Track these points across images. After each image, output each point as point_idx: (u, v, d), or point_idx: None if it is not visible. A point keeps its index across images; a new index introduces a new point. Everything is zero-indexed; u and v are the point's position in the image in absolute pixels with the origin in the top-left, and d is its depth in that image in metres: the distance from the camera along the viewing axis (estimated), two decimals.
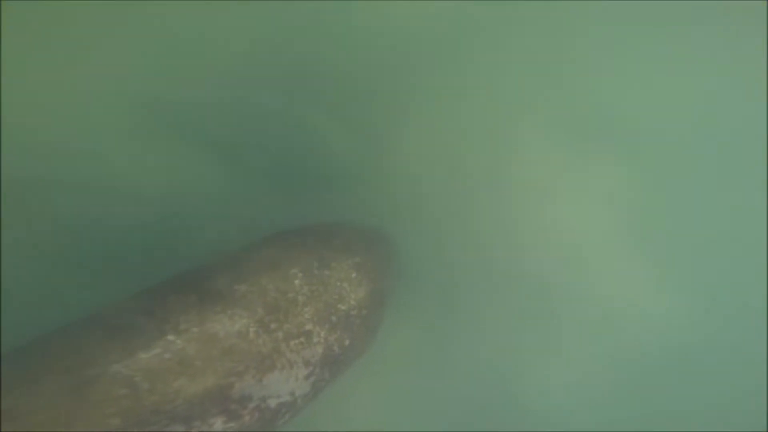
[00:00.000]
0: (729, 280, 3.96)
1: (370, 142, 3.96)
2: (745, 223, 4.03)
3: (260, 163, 3.79)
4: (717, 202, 4.08)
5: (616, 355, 3.77)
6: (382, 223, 3.68)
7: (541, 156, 4.06)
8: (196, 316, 2.79)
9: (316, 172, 3.85)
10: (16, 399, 2.36)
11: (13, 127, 3.47)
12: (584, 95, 4.19)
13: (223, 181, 3.70)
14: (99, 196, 3.49)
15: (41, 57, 3.68)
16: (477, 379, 3.60)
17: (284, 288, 3.03)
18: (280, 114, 3.88)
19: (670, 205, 4.08)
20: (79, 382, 2.45)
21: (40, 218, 3.36)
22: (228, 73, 3.90)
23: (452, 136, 4.04)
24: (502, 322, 3.73)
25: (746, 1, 4.30)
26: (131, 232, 3.43)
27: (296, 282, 3.07)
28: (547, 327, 3.77)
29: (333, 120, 3.94)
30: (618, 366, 3.76)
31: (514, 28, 4.22)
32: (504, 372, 3.65)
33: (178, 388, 2.61)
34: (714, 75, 4.23)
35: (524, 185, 4.01)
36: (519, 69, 4.16)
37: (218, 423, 2.69)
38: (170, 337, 2.70)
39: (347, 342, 3.15)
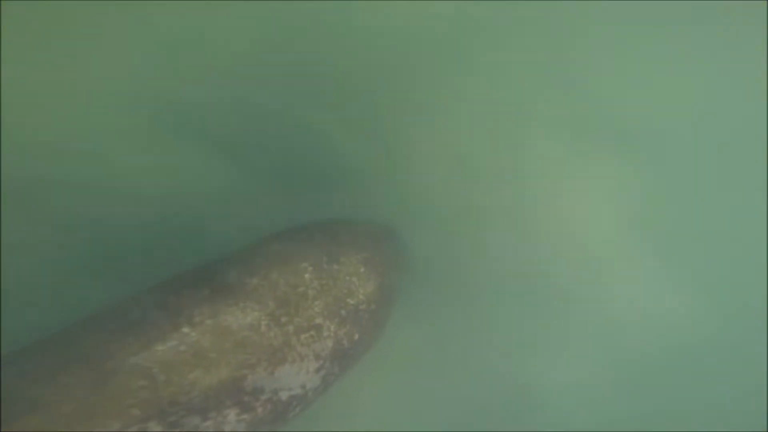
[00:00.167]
0: (731, 279, 4.04)
1: (374, 140, 4.03)
2: (747, 222, 4.13)
3: (264, 162, 3.85)
4: (720, 202, 4.16)
5: (620, 354, 3.85)
6: (389, 221, 3.73)
7: (546, 155, 4.14)
8: (209, 309, 2.86)
9: (320, 170, 3.92)
10: (42, 389, 2.45)
11: (15, 127, 3.52)
12: (589, 94, 4.27)
13: (227, 180, 3.76)
14: (103, 196, 3.55)
15: (41, 57, 3.72)
16: (484, 377, 3.67)
17: (294, 282, 3.10)
18: (283, 113, 3.94)
19: (674, 205, 4.16)
20: (100, 374, 2.53)
21: (46, 217, 3.43)
22: (230, 72, 3.95)
23: (457, 135, 4.12)
24: (508, 320, 3.81)
25: (746, 0, 4.42)
26: (137, 231, 3.50)
27: (306, 276, 3.14)
28: (553, 326, 3.85)
29: (337, 118, 4.01)
30: (622, 365, 3.83)
31: (517, 27, 4.29)
32: (510, 370, 3.72)
33: (193, 380, 2.69)
34: (716, 74, 4.32)
35: (530, 184, 4.09)
36: (522, 68, 4.24)
37: (232, 414, 2.76)
38: (185, 330, 2.77)
39: (356, 336, 3.22)
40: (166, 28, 3.91)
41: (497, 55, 4.27)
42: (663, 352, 3.87)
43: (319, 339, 3.07)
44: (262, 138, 3.88)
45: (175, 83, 3.85)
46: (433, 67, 4.20)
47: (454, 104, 4.17)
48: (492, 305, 3.81)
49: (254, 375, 2.83)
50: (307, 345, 3.02)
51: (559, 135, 4.20)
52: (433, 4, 4.21)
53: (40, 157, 3.54)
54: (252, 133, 3.88)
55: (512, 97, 4.22)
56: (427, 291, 3.78)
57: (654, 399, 3.82)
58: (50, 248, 3.37)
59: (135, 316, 2.80)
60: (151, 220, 3.55)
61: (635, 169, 4.20)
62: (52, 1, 3.73)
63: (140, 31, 3.89)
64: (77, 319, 2.83)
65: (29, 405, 2.42)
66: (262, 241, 3.34)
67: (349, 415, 3.46)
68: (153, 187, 3.64)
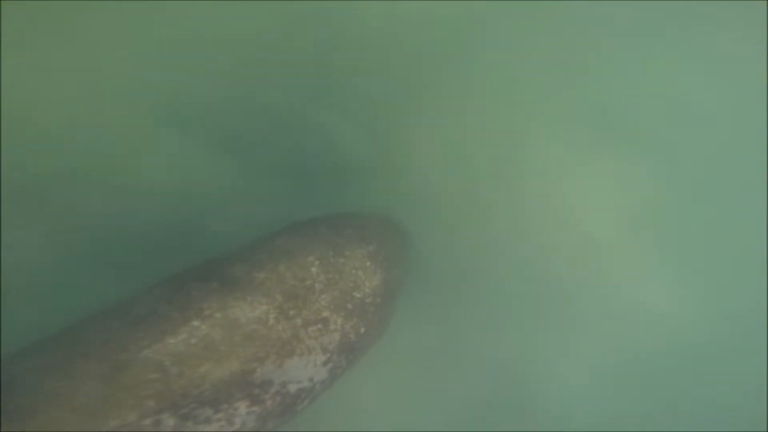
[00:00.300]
0: (735, 277, 4.10)
1: (378, 137, 4.09)
2: (750, 220, 4.19)
3: (269, 158, 3.92)
4: (722, 200, 4.23)
5: (623, 351, 3.91)
6: (393, 216, 3.80)
7: (553, 151, 4.21)
8: (218, 302, 2.92)
9: (324, 166, 3.98)
10: (60, 381, 2.51)
11: (23, 125, 3.59)
12: (592, 92, 4.35)
13: (233, 176, 3.83)
14: (114, 193, 3.63)
15: (47, 54, 3.78)
16: (487, 370, 3.73)
17: (302, 275, 3.16)
18: (288, 110, 4.01)
19: (677, 203, 4.23)
20: (114, 367, 2.60)
21: (61, 213, 3.49)
22: (235, 70, 4.02)
23: (461, 132, 4.19)
24: (513, 315, 3.87)
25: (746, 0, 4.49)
26: (146, 227, 3.57)
27: (313, 270, 3.20)
28: (559, 321, 3.91)
29: (341, 115, 4.07)
30: (625, 362, 3.89)
31: (521, 26, 4.36)
32: (515, 365, 3.78)
33: (204, 373, 2.75)
34: (720, 73, 4.39)
35: (537, 180, 4.15)
36: (526, 66, 4.31)
37: (242, 407, 2.83)
38: (195, 323, 2.83)
39: (362, 330, 3.28)
40: (171, 26, 3.99)
41: (501, 53, 4.33)
42: (666, 350, 3.93)
43: (327, 332, 3.13)
44: (268, 135, 3.95)
45: (181, 81, 3.93)
46: (437, 65, 4.26)
47: (459, 101, 4.24)
48: (495, 300, 3.87)
49: (263, 368, 2.89)
50: (314, 338, 3.08)
51: (562, 132, 4.27)
52: (437, 3, 4.26)
53: (49, 155, 3.62)
54: (257, 130, 3.96)
55: (516, 94, 4.29)
56: (431, 285, 3.84)
57: (656, 396, 3.88)
58: (63, 244, 3.43)
59: (146, 309, 2.87)
60: (160, 216, 3.62)
61: (638, 167, 4.26)
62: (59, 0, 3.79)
63: (147, 29, 3.96)
64: (90, 312, 2.90)
65: (49, 397, 2.49)
66: (268, 235, 3.40)
67: (355, 408, 3.52)
68: (161, 184, 3.72)
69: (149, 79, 3.88)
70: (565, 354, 3.83)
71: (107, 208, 3.58)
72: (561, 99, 4.30)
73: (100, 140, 3.71)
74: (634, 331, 3.94)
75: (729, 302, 4.08)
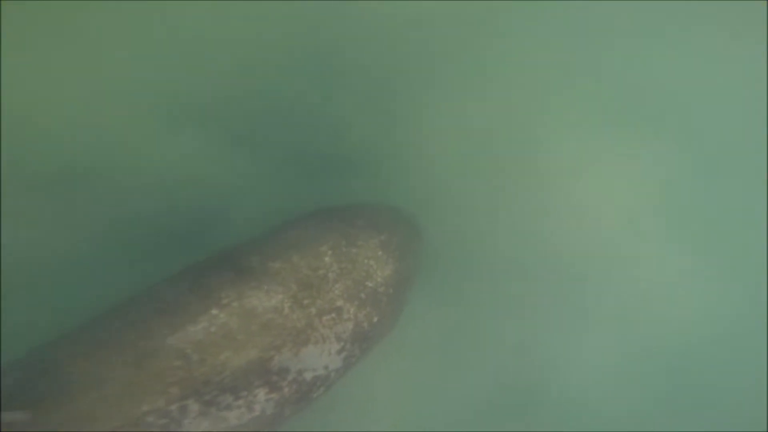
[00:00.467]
0: (757, 267, 4.14)
1: (390, 126, 4.17)
2: None
3: (284, 151, 4.02)
4: (743, 189, 4.29)
5: (640, 342, 3.97)
6: (406, 205, 3.88)
7: (571, 139, 4.27)
8: (235, 292, 3.04)
9: (337, 157, 4.07)
10: (95, 367, 2.66)
11: (45, 122, 3.74)
12: (612, 78, 4.41)
13: (248, 168, 3.93)
14: (131, 186, 3.76)
15: (65, 53, 3.90)
16: (501, 361, 3.83)
17: (315, 265, 3.27)
18: (300, 102, 4.10)
19: (697, 190, 4.30)
20: (140, 355, 2.74)
21: (84, 208, 3.64)
22: (250, 64, 4.12)
23: (475, 120, 4.25)
24: (528, 304, 3.95)
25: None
26: (165, 219, 3.70)
27: (326, 259, 3.30)
28: (575, 311, 3.98)
29: (354, 107, 4.16)
30: (642, 353, 3.95)
31: (541, 10, 4.42)
32: (529, 354, 3.87)
33: (224, 360, 2.88)
34: (742, 57, 4.46)
35: (554, 168, 4.21)
36: (547, 51, 4.37)
37: (261, 394, 2.96)
38: (214, 311, 2.95)
39: (375, 319, 3.39)
40: (186, 20, 4.08)
41: (526, 38, 4.40)
42: (685, 339, 4.00)
43: (340, 321, 3.24)
44: (279, 128, 4.05)
45: (192, 77, 4.03)
46: (459, 51, 4.34)
47: (472, 91, 4.31)
48: (509, 289, 3.96)
49: (280, 356, 3.02)
50: (329, 327, 3.20)
51: (590, 118, 4.34)
52: None
53: (69, 153, 3.76)
54: (269, 124, 4.06)
55: (532, 82, 4.36)
56: (444, 275, 3.94)
57: (674, 385, 3.95)
58: (85, 238, 3.58)
59: (166, 298, 3.00)
60: (176, 209, 3.75)
61: (659, 154, 4.32)
62: None
63: (161, 23, 4.07)
64: (114, 302, 3.04)
65: (83, 383, 2.65)
66: (280, 226, 3.51)
67: (368, 397, 3.64)
68: (176, 178, 3.84)
69: (160, 77, 3.99)
70: (581, 343, 3.92)
71: (125, 203, 3.71)
72: (584, 85, 4.38)
73: (115, 137, 3.84)
74: (652, 319, 4.02)
75: (751, 291, 4.13)
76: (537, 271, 4.03)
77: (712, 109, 4.43)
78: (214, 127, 3.98)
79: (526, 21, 4.45)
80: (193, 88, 4.03)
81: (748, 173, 4.36)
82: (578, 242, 4.11)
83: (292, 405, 3.11)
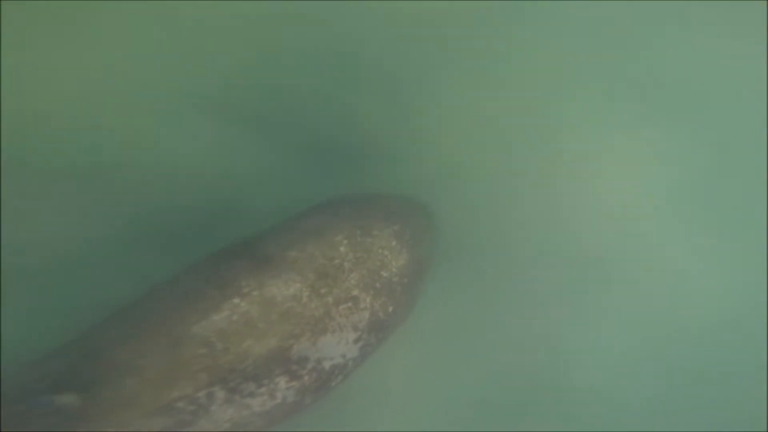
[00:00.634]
0: None
1: (403, 116, 4.25)
2: None
3: (299, 141, 4.11)
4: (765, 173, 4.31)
5: (659, 331, 4.02)
6: (420, 195, 3.97)
7: (590, 125, 4.35)
8: (255, 281, 3.13)
9: (351, 147, 4.15)
10: (130, 354, 2.80)
11: (66, 118, 3.85)
12: (630, 61, 4.48)
13: (262, 159, 4.02)
14: (155, 178, 3.87)
15: (81, 43, 3.99)
16: (517, 350, 3.91)
17: (331, 254, 3.35)
18: (314, 93, 4.19)
19: (719, 175, 4.34)
20: (170, 342, 2.86)
21: (108, 200, 3.77)
22: (265, 54, 4.20)
23: (489, 106, 4.33)
24: (545, 294, 4.02)
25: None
26: (183, 209, 3.81)
27: (342, 249, 3.39)
28: (594, 301, 4.05)
29: (370, 96, 4.24)
30: (661, 342, 4.01)
31: None
32: (545, 344, 3.94)
33: (247, 349, 2.98)
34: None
35: (572, 154, 4.28)
36: (566, 41, 4.45)
37: (282, 382, 3.06)
38: (235, 300, 3.05)
39: (391, 309, 3.48)
40: (200, 11, 4.16)
41: (543, 24, 4.47)
42: (707, 329, 4.06)
43: (357, 310, 3.34)
44: (295, 118, 4.14)
45: (209, 67, 4.12)
46: (473, 39, 4.41)
47: (487, 79, 4.40)
48: (526, 280, 4.05)
49: (299, 345, 3.12)
50: (345, 316, 3.30)
51: (597, 103, 4.41)
52: None
53: (92, 146, 3.88)
54: (285, 114, 4.14)
55: (550, 69, 4.43)
56: (459, 264, 4.02)
57: (696, 377, 4.00)
58: (108, 227, 3.70)
59: (190, 287, 3.10)
60: (194, 199, 3.86)
61: (679, 137, 4.39)
62: None
63: (183, 14, 4.15)
64: (141, 292, 3.17)
65: (124, 369, 2.78)
66: (296, 215, 3.60)
67: (385, 386, 3.74)
68: (194, 169, 3.94)
69: (175, 70, 4.08)
70: (599, 334, 3.99)
71: (143, 196, 3.82)
72: (604, 71, 4.45)
73: (135, 129, 3.94)
74: (673, 309, 4.09)
75: None
76: (553, 260, 4.10)
77: (732, 99, 4.50)
78: (229, 120, 4.06)
79: (542, 9, 4.52)
80: (207, 80, 4.11)
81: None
82: (596, 232, 4.18)
83: (312, 393, 3.22)
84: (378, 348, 3.55)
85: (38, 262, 3.56)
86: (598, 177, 4.31)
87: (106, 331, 3.01)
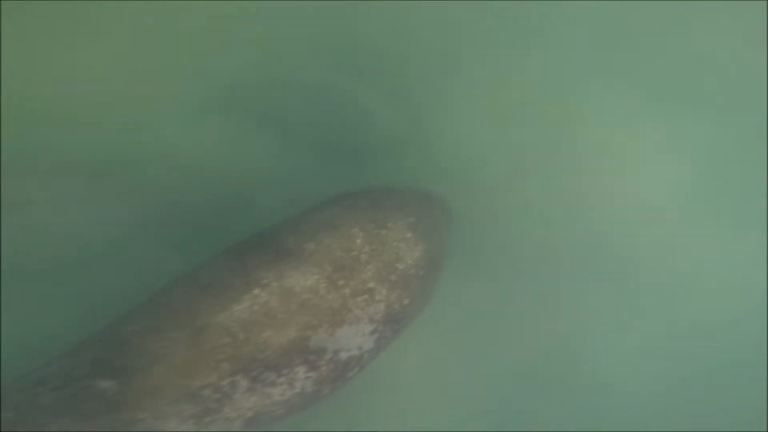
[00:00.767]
0: None
1: (422, 110, 4.34)
2: None
3: (313, 135, 4.21)
4: None
5: (680, 325, 4.07)
6: (435, 188, 4.05)
7: (611, 118, 4.40)
8: (274, 272, 3.23)
9: (367, 140, 4.25)
10: (156, 343, 2.94)
11: (89, 111, 3.99)
12: (659, 55, 4.51)
13: (279, 152, 4.13)
14: (174, 173, 4.00)
15: (98, 35, 4.11)
16: (532, 344, 3.99)
17: (348, 246, 3.44)
18: (332, 87, 4.29)
19: (745, 166, 4.38)
20: (194, 331, 2.98)
21: (129, 194, 3.90)
22: (278, 49, 4.30)
23: (505, 97, 4.40)
24: (559, 286, 4.10)
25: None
26: (202, 202, 3.95)
27: (358, 241, 3.47)
28: (613, 294, 4.10)
29: (383, 89, 4.34)
30: (683, 337, 4.05)
31: None
32: (563, 338, 4.01)
33: (267, 339, 3.08)
34: None
35: (592, 147, 4.34)
36: (583, 31, 4.51)
37: (301, 372, 3.17)
38: (256, 291, 3.15)
39: (406, 301, 3.56)
40: (212, 7, 4.26)
41: (562, 16, 4.52)
42: (727, 325, 4.09)
43: (373, 303, 3.43)
44: (308, 113, 4.25)
45: (227, 63, 4.24)
46: (491, 31, 4.49)
47: (502, 69, 4.47)
48: (540, 272, 4.13)
49: (317, 336, 3.22)
50: (362, 308, 3.38)
51: (632, 96, 4.46)
52: None
53: (112, 143, 4.02)
54: (298, 109, 4.25)
55: (568, 56, 4.50)
56: (474, 257, 4.11)
57: (716, 375, 4.05)
58: (129, 220, 3.85)
59: (212, 278, 3.22)
60: (212, 192, 3.99)
61: (704, 127, 4.43)
62: None
63: (187, 11, 4.25)
64: (166, 282, 3.30)
65: (151, 357, 2.91)
66: (312, 208, 3.70)
67: (400, 379, 3.84)
68: (212, 163, 4.06)
69: (192, 64, 4.20)
70: (618, 329, 4.06)
71: (162, 189, 3.95)
72: (626, 63, 4.49)
73: (153, 126, 4.07)
74: (696, 302, 4.14)
75: None
76: (570, 253, 4.17)
77: (757, 86, 4.52)
78: (245, 116, 4.18)
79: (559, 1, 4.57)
80: (223, 77, 4.22)
81: None
82: (619, 223, 4.24)
83: (330, 384, 3.32)
84: (393, 340, 3.64)
85: (67, 257, 3.71)
86: (617, 171, 4.37)
87: (134, 321, 3.14)
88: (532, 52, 4.53)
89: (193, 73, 4.18)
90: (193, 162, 4.03)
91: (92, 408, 2.82)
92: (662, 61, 4.57)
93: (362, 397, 3.74)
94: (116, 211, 3.85)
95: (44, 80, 4.04)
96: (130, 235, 3.81)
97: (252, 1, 4.33)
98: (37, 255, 3.69)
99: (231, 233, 3.53)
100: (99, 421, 2.83)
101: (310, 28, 4.36)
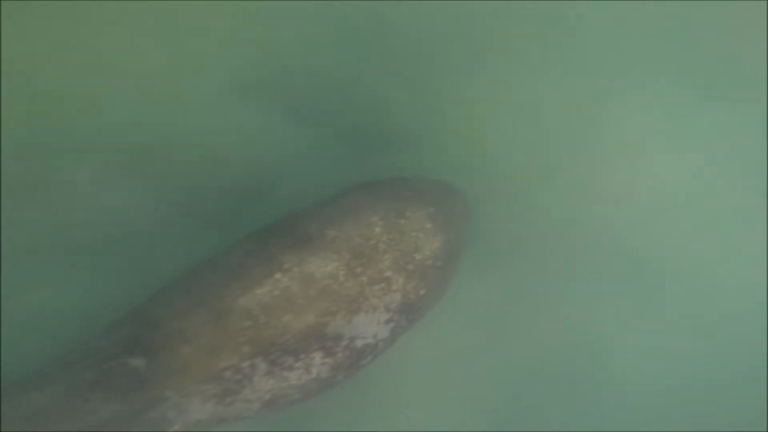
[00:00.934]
0: None
1: (444, 101, 4.39)
2: None
3: (335, 126, 4.30)
4: None
5: (697, 322, 4.13)
6: (455, 180, 4.10)
7: (632, 114, 4.43)
8: (295, 257, 3.33)
9: (388, 132, 4.32)
10: (184, 323, 3.09)
11: (116, 102, 4.13)
12: (686, 46, 4.54)
13: (301, 141, 4.22)
14: (201, 161, 4.13)
15: (134, 26, 4.23)
16: (548, 338, 4.07)
17: (367, 234, 3.53)
18: (355, 78, 4.36)
19: None
20: (218, 313, 3.11)
21: (159, 181, 4.06)
22: (303, 42, 4.38)
23: (526, 91, 4.45)
24: (577, 280, 4.15)
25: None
26: (228, 189, 4.07)
27: (377, 230, 3.56)
28: (630, 290, 4.16)
29: (406, 82, 4.40)
30: (700, 335, 4.10)
31: None
32: (577, 333, 4.07)
33: (286, 323, 3.20)
34: None
35: (613, 140, 4.38)
36: (613, 24, 4.53)
37: (318, 357, 3.28)
38: (277, 276, 3.26)
39: (422, 291, 3.64)
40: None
41: (573, 11, 4.54)
42: (749, 323, 4.15)
43: (389, 292, 3.52)
44: (331, 104, 4.33)
45: (249, 55, 4.32)
46: (504, 23, 4.53)
47: (524, 61, 4.51)
48: (560, 267, 4.19)
49: (335, 322, 3.33)
50: (378, 297, 3.48)
51: (638, 91, 4.49)
52: None
53: (145, 131, 4.15)
54: (322, 100, 4.34)
55: (593, 49, 4.53)
56: (492, 249, 4.18)
57: (731, 376, 4.10)
58: (160, 205, 4.00)
59: (236, 262, 3.35)
60: (237, 180, 4.11)
61: (731, 127, 4.45)
62: None
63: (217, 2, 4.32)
64: (191, 265, 3.44)
65: (179, 337, 3.08)
66: (333, 196, 3.79)
67: (413, 369, 3.93)
68: (237, 152, 4.17)
69: (221, 56, 4.30)
70: (633, 325, 4.12)
71: (193, 174, 4.09)
72: (651, 56, 4.52)
73: (183, 114, 4.19)
74: (715, 304, 4.19)
75: None
76: (590, 247, 4.23)
77: None
78: (271, 104, 4.27)
79: None
80: (252, 67, 4.31)
81: None
82: (633, 222, 4.30)
83: (344, 371, 3.43)
84: (408, 330, 3.74)
85: (97, 239, 3.86)
86: (636, 167, 4.41)
87: (163, 302, 3.29)
88: (556, 47, 4.58)
89: (221, 64, 4.28)
90: (221, 149, 4.15)
91: (125, 384, 2.98)
92: (686, 56, 4.60)
93: (375, 386, 3.84)
94: (148, 195, 3.99)
95: (86, 68, 4.17)
96: (161, 217, 3.95)
97: None
98: (76, 234, 3.85)
99: (255, 218, 3.66)
100: (131, 397, 3.00)
101: (335, 20, 4.42)
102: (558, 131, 4.44)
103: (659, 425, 3.94)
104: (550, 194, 4.34)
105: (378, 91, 4.39)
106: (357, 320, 3.43)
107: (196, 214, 3.98)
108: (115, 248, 3.85)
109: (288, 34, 4.38)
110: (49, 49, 4.13)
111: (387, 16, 4.46)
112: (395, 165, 4.23)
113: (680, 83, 4.55)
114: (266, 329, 3.16)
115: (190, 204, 4.00)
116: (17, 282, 3.69)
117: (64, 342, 3.27)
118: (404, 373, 3.94)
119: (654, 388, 4.05)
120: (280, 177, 4.13)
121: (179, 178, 4.06)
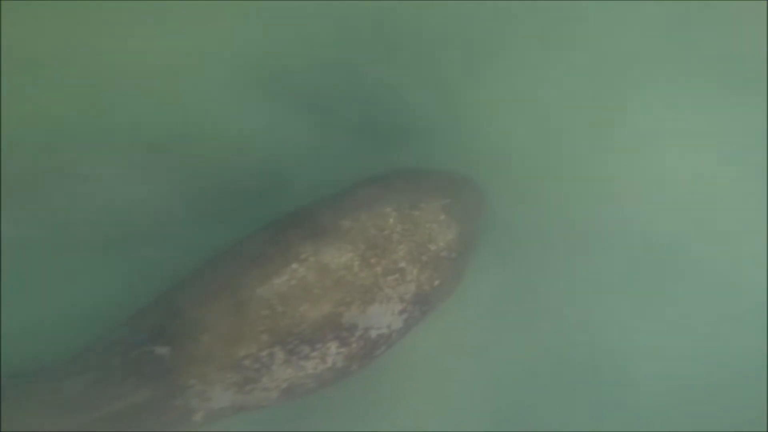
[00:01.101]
0: None
1: (459, 94, 4.46)
2: None
3: (351, 117, 4.38)
4: None
5: (708, 317, 4.18)
6: (469, 171, 4.17)
7: (648, 105, 4.48)
8: (312, 248, 3.43)
9: (403, 123, 4.39)
10: (204, 312, 3.22)
11: (142, 96, 4.26)
12: (698, 42, 4.59)
13: (318, 133, 4.32)
14: (218, 151, 4.24)
15: (152, 19, 4.34)
16: (561, 330, 4.14)
17: (381, 225, 3.61)
18: (370, 70, 4.44)
19: None
20: (237, 303, 3.23)
21: (177, 171, 4.17)
22: (318, 34, 4.47)
23: (549, 87, 4.51)
24: (590, 272, 4.22)
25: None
26: (244, 180, 4.18)
27: (391, 221, 3.64)
28: (644, 285, 4.22)
29: (422, 73, 4.48)
30: (712, 330, 4.17)
31: None
32: (589, 324, 4.14)
33: (303, 313, 3.30)
34: None
35: (628, 133, 4.44)
36: (629, 18, 4.59)
37: (333, 347, 3.39)
38: (294, 266, 3.36)
39: (436, 282, 3.73)
40: None
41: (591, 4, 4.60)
42: (749, 323, 4.21)
43: (403, 282, 3.61)
44: (346, 95, 4.42)
45: (265, 47, 4.41)
46: (521, 14, 4.59)
47: (540, 55, 4.57)
48: (573, 257, 4.25)
49: (350, 312, 3.43)
50: (392, 287, 3.57)
51: (653, 83, 4.55)
52: None
53: (163, 124, 4.28)
54: (337, 92, 4.42)
55: (608, 44, 4.59)
56: (506, 241, 4.24)
57: (733, 376, 4.15)
58: (176, 195, 4.12)
59: (254, 252, 3.46)
60: (253, 171, 4.21)
61: (742, 115, 4.50)
62: None
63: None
64: (210, 256, 3.56)
65: (201, 326, 3.21)
66: (348, 187, 3.88)
67: (426, 360, 4.01)
68: (253, 142, 4.27)
69: (236, 50, 4.40)
70: (646, 319, 4.19)
71: (212, 166, 4.20)
72: (666, 49, 4.57)
73: (200, 107, 4.31)
74: (729, 301, 4.25)
75: None
76: (605, 240, 4.29)
77: None
78: (288, 97, 4.36)
79: None
80: (268, 61, 4.41)
81: None
82: (655, 210, 4.36)
83: (359, 361, 3.54)
84: (422, 321, 3.82)
85: (120, 234, 3.99)
86: (652, 159, 4.47)
87: (185, 291, 3.42)
88: (571, 42, 4.63)
89: (238, 58, 4.38)
90: (238, 141, 4.26)
91: (152, 371, 3.12)
92: (703, 48, 4.65)
93: (387, 377, 3.93)
94: (167, 187, 4.11)
95: (85, 68, 4.27)
96: (180, 209, 4.07)
97: None
98: (98, 227, 3.99)
99: (272, 209, 3.77)
100: (158, 384, 3.15)
101: (350, 13, 4.50)
102: (572, 123, 4.51)
103: (659, 425, 4.04)
104: (564, 187, 4.41)
105: (394, 84, 4.46)
106: (371, 310, 3.53)
107: (215, 208, 4.08)
108: (139, 237, 3.97)
109: (304, 29, 4.48)
110: (50, 49, 4.23)
111: (403, 9, 4.56)
112: (410, 156, 4.31)
113: (692, 74, 4.63)
114: (283, 319, 3.27)
115: (208, 198, 4.11)
116: (45, 278, 3.83)
117: (90, 332, 3.42)
118: (417, 363, 4.02)
119: (654, 387, 4.14)
120: (296, 170, 4.22)
121: (199, 173, 4.17)
